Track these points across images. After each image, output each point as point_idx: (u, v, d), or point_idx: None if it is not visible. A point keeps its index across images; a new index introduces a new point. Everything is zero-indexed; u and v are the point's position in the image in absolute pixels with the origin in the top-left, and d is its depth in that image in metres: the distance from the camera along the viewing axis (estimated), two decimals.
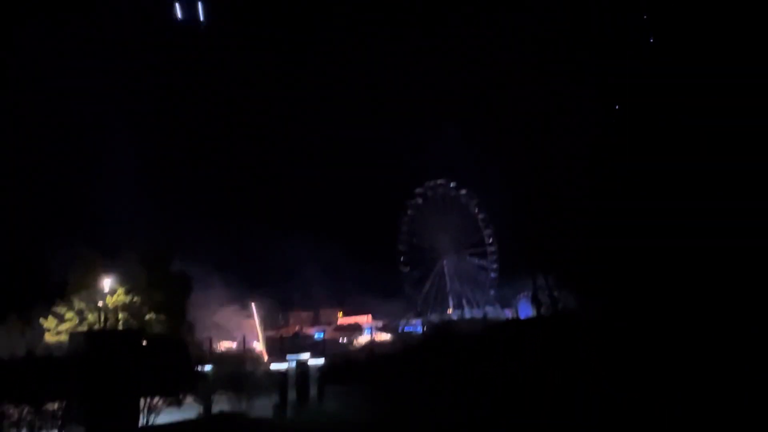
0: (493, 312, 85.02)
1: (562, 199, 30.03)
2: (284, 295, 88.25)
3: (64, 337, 37.84)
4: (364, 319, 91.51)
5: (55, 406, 15.04)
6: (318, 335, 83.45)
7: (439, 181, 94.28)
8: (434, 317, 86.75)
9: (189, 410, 18.50)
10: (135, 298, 45.53)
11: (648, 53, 21.75)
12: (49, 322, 43.44)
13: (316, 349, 51.10)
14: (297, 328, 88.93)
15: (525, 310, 71.79)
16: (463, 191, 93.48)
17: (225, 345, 64.66)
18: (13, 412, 14.33)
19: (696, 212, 17.42)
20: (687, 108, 18.73)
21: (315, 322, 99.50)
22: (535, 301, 34.45)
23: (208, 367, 21.54)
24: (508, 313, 79.04)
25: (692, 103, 18.47)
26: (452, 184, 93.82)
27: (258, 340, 72.14)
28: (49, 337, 42.62)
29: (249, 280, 77.77)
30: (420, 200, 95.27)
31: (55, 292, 44.14)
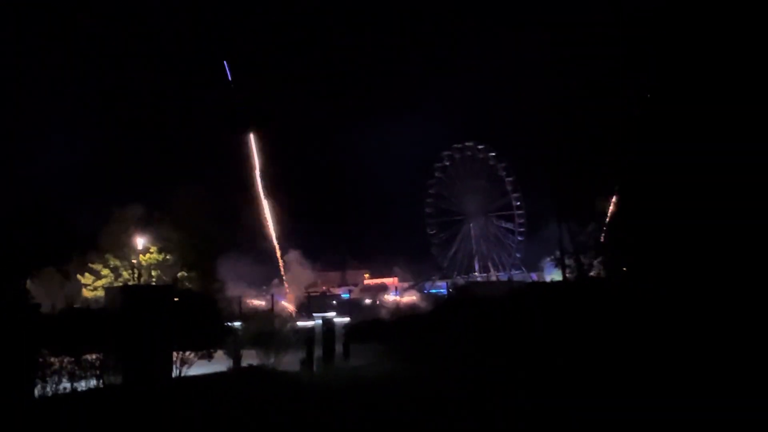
0: (520, 275, 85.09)
1: (593, 163, 29.49)
2: (312, 257, 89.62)
3: (101, 293, 39.40)
4: (390, 281, 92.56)
5: (94, 356, 15.69)
6: (344, 295, 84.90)
7: (467, 144, 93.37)
8: (460, 279, 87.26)
9: (219, 363, 19.18)
10: (168, 257, 46.96)
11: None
12: (87, 279, 45.26)
13: (343, 308, 52.12)
14: (324, 288, 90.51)
15: (551, 273, 71.59)
16: (492, 154, 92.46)
17: (255, 303, 66.41)
18: (54, 361, 15.01)
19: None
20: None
21: (342, 282, 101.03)
22: (561, 265, 34.25)
23: (237, 324, 22.16)
24: (534, 276, 79.06)
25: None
26: (480, 147, 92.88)
27: (287, 300, 73.80)
28: (87, 293, 44.47)
29: (279, 242, 79.43)
30: (447, 162, 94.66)
31: (88, 247, 45.71)
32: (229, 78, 78.22)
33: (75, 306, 22.14)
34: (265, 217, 78.20)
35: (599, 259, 27.09)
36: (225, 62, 78.51)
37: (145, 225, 47.47)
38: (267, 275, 78.37)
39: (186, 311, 18.56)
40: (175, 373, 17.37)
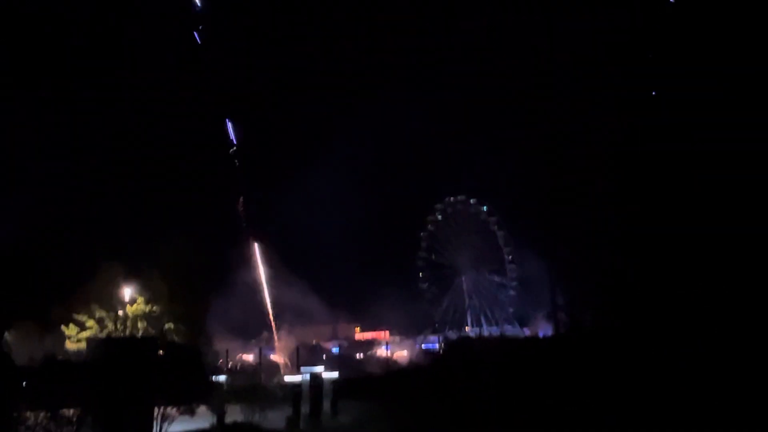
0: (512, 330, 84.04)
1: (584, 218, 29.67)
2: (303, 309, 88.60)
3: (84, 345, 38.34)
4: (381, 335, 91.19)
5: (71, 411, 15.08)
6: (335, 349, 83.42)
7: (459, 197, 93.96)
8: (452, 334, 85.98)
9: (202, 420, 18.49)
10: (155, 308, 46.03)
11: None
12: (71, 330, 44.12)
13: (332, 363, 51.02)
14: (314, 341, 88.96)
15: (544, 328, 70.88)
16: (484, 208, 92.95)
17: (244, 357, 65.00)
18: (29, 416, 14.40)
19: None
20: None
21: (333, 336, 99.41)
22: (554, 320, 33.89)
23: (222, 378, 21.53)
24: (527, 331, 78.12)
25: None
26: (472, 201, 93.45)
27: (276, 353, 72.34)
28: (70, 345, 43.25)
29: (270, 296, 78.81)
30: (439, 216, 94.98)
31: (72, 298, 44.85)
32: (232, 138, 79.40)
33: (57, 358, 21.46)
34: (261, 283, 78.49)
35: (592, 314, 26.87)
36: (227, 121, 79.91)
37: (132, 276, 46.78)
38: (257, 326, 77.20)
39: (170, 365, 18.03)
40: (155, 429, 16.71)
